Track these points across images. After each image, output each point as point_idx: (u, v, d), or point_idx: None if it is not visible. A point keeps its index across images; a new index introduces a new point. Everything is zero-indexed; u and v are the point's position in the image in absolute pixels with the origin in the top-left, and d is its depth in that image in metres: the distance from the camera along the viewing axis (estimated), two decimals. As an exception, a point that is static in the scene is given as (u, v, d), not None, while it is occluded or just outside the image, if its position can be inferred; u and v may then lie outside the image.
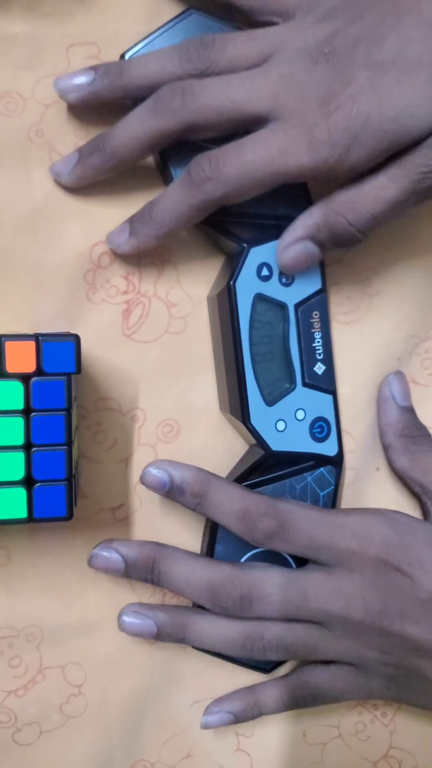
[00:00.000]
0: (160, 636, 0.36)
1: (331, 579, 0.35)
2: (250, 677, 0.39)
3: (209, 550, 0.37)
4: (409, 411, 0.40)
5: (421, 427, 0.40)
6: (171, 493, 0.35)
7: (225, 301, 0.36)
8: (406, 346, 0.41)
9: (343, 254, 0.40)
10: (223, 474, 0.39)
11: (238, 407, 0.37)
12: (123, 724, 0.39)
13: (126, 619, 0.37)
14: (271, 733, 0.40)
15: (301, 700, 0.37)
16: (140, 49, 0.36)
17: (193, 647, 0.38)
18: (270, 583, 0.35)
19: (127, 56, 0.36)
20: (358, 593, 0.34)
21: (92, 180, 0.36)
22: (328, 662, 0.37)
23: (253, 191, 0.34)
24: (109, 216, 0.37)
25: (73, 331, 0.32)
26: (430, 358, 0.41)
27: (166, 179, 0.37)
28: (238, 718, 0.37)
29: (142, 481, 0.36)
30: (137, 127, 0.34)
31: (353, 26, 0.32)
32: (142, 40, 0.36)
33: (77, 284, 0.38)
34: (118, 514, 0.39)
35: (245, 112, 0.33)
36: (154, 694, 0.39)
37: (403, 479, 0.40)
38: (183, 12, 0.36)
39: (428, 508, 0.39)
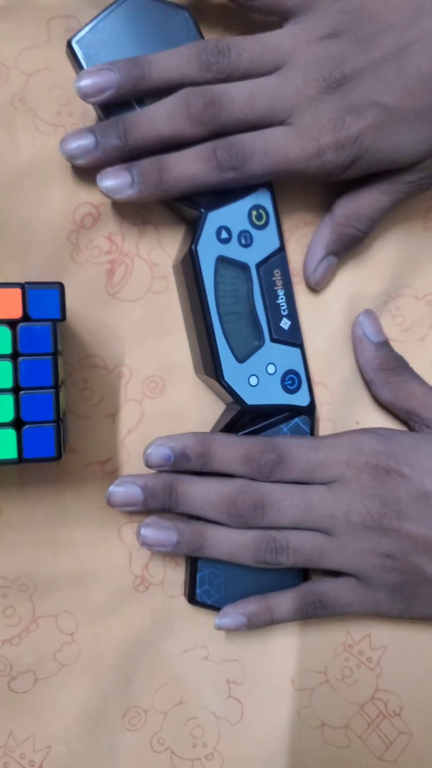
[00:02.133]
0: (178, 545, 0.38)
1: (331, 492, 0.38)
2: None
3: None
4: (384, 345, 0.42)
5: (398, 358, 0.42)
6: (176, 463, 0.38)
7: (189, 266, 0.38)
8: (374, 303, 0.42)
9: (314, 217, 0.42)
10: (205, 430, 0.41)
11: (211, 366, 0.38)
12: (116, 671, 0.40)
13: (146, 530, 0.38)
14: (261, 680, 0.41)
15: (310, 607, 0.39)
16: (86, 33, 0.37)
17: (208, 558, 0.39)
18: (280, 491, 0.38)
19: (73, 42, 0.37)
20: (357, 498, 0.38)
21: (103, 163, 0.37)
22: (335, 576, 0.39)
23: (259, 182, 0.38)
24: (92, 178, 0.39)
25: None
26: (401, 314, 0.43)
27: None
28: (251, 622, 0.38)
29: (147, 463, 0.38)
30: (164, 125, 0.36)
31: (360, 56, 0.36)
32: (87, 24, 0.37)
33: (61, 244, 0.39)
34: (106, 467, 0.40)
35: (265, 122, 0.37)
36: (145, 642, 0.40)
37: (389, 409, 0.42)
38: None
39: (416, 429, 0.41)
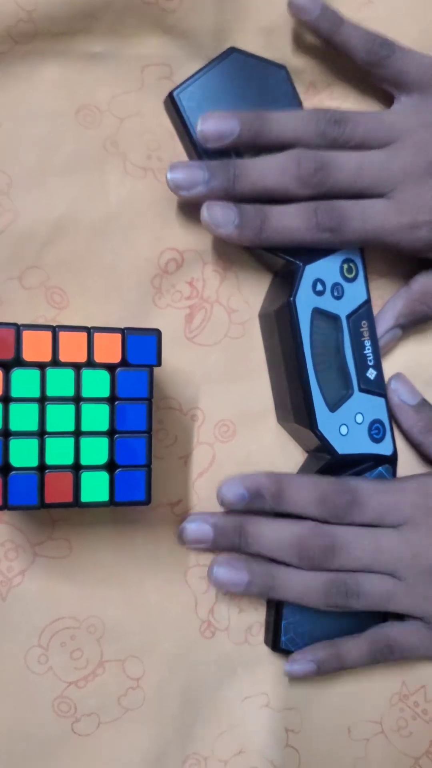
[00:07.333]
0: (249, 586, 0.38)
1: (400, 535, 0.39)
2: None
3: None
4: (423, 405, 0.42)
5: None
6: (251, 501, 0.38)
7: (285, 316, 0.38)
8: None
9: (388, 269, 0.43)
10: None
11: (304, 415, 0.39)
12: (178, 717, 0.40)
13: (218, 569, 0.38)
14: (318, 729, 0.41)
15: (378, 653, 0.39)
16: (189, 86, 0.38)
17: (279, 599, 0.39)
18: (350, 534, 0.38)
19: (175, 94, 0.38)
20: (424, 542, 0.39)
21: (202, 201, 0.37)
22: (402, 620, 0.40)
23: (350, 248, 0.40)
24: (179, 223, 0.39)
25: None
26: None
27: None
28: (321, 669, 0.39)
29: (221, 501, 0.38)
30: (273, 180, 0.37)
31: None
32: (188, 78, 0.38)
33: (145, 288, 0.40)
34: (176, 509, 0.40)
35: (367, 192, 0.38)
36: (208, 688, 0.40)
37: None
38: (224, 52, 0.39)
39: None
